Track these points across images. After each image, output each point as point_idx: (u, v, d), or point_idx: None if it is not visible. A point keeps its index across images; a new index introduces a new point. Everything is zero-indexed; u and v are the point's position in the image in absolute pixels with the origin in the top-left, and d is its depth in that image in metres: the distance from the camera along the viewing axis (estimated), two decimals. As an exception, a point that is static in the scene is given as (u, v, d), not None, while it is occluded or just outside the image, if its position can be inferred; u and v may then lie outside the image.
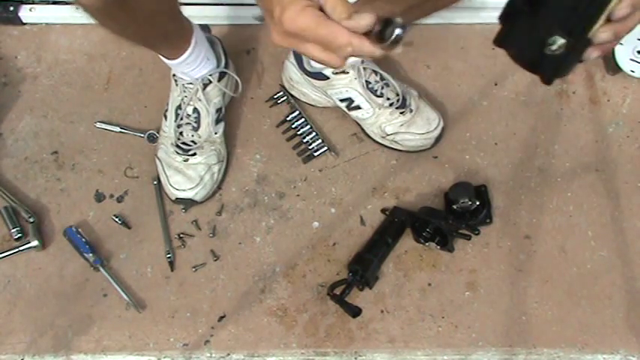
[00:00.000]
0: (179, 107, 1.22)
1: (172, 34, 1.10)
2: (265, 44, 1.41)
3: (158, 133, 1.28)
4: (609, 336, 1.10)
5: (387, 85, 1.23)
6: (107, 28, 0.98)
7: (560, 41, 0.64)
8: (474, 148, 1.28)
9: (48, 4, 1.44)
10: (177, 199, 1.22)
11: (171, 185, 1.21)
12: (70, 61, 1.42)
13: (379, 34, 0.62)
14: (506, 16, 0.69)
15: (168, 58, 1.15)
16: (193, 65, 1.17)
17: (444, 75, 1.36)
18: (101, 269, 1.16)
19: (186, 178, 1.21)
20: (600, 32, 0.62)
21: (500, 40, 0.70)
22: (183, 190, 1.21)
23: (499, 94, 1.34)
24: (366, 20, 0.60)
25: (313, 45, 0.62)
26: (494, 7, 1.40)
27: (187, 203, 1.22)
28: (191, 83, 1.20)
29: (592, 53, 0.64)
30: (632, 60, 1.30)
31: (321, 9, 0.61)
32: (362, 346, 1.11)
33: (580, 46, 0.64)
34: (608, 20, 0.62)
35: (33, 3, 1.44)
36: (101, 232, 1.22)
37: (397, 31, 0.61)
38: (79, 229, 1.19)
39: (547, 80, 0.69)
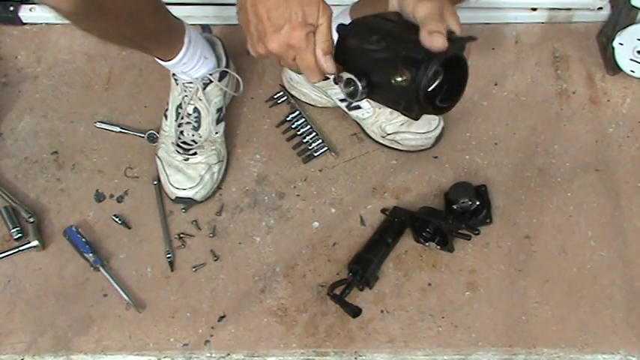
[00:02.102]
0: (180, 106, 1.22)
1: (161, 35, 1.09)
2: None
3: (158, 132, 1.28)
4: (609, 336, 1.10)
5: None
6: (87, 31, 0.97)
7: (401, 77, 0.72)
8: (474, 148, 1.28)
9: (48, 4, 1.44)
10: (177, 198, 1.22)
11: (171, 184, 1.21)
12: (70, 61, 1.42)
13: (336, 82, 0.78)
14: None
15: (163, 60, 1.14)
16: (190, 65, 1.17)
17: (444, 75, 1.36)
18: (101, 269, 1.16)
19: (186, 177, 1.21)
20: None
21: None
22: (183, 189, 1.21)
23: (499, 94, 1.34)
24: (329, 67, 0.77)
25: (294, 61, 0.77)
26: (494, 7, 1.41)
27: (187, 202, 1.22)
28: (191, 82, 1.20)
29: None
30: (632, 60, 1.30)
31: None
32: (362, 346, 1.11)
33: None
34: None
35: (33, 3, 1.45)
36: (101, 232, 1.22)
37: (351, 88, 0.76)
38: (79, 229, 1.19)
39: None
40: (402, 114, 0.76)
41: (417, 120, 0.78)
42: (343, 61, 0.77)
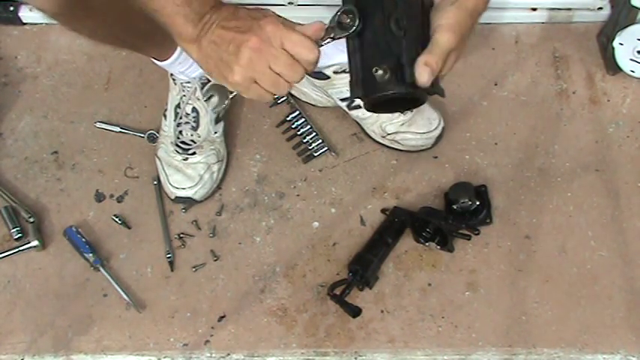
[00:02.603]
0: (178, 106, 1.22)
1: (153, 34, 1.08)
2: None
3: (158, 132, 1.28)
4: (609, 336, 1.10)
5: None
6: (76, 31, 0.96)
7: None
8: (474, 148, 1.28)
9: (48, 4, 1.44)
10: (176, 197, 1.22)
11: (170, 184, 1.21)
12: (70, 61, 1.42)
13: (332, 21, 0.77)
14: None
15: (159, 60, 1.14)
16: (186, 65, 1.16)
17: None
18: (101, 269, 1.16)
19: (185, 176, 1.21)
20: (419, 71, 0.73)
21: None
22: (183, 189, 1.21)
23: (499, 94, 1.34)
24: (315, 25, 0.75)
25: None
26: (494, 7, 1.41)
27: (187, 202, 1.22)
28: (189, 82, 1.19)
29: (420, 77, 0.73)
30: (632, 60, 1.30)
31: None
32: (362, 346, 1.11)
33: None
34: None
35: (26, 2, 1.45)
36: (101, 232, 1.22)
37: (348, 20, 0.75)
38: (79, 229, 1.19)
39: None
40: (349, 82, 0.78)
41: (353, 98, 0.80)
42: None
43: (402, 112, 0.78)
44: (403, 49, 0.74)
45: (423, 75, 0.72)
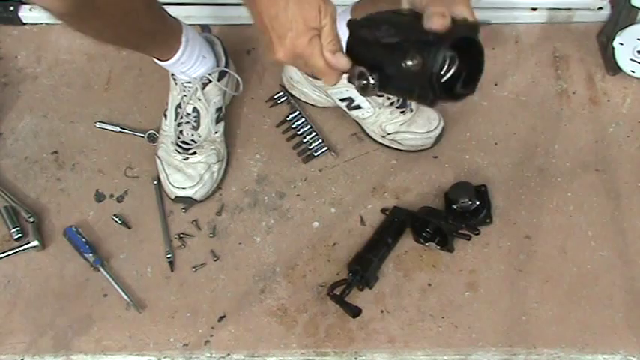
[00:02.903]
0: (179, 106, 1.22)
1: (157, 35, 1.09)
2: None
3: (158, 132, 1.28)
4: (609, 336, 1.10)
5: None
6: (81, 32, 0.96)
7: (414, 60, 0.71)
8: (474, 148, 1.28)
9: (48, 4, 1.44)
10: (176, 197, 1.22)
11: (170, 184, 1.21)
12: (70, 61, 1.42)
13: (350, 79, 0.77)
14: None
15: (161, 60, 1.14)
16: (188, 64, 1.17)
17: (444, 75, 1.36)
18: (101, 269, 1.16)
19: (185, 176, 1.21)
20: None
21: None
22: (183, 189, 1.21)
23: (499, 94, 1.34)
24: (342, 63, 0.77)
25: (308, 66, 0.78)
26: (494, 7, 1.41)
27: (187, 202, 1.22)
28: (190, 82, 1.19)
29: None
30: (632, 60, 1.30)
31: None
32: (362, 346, 1.11)
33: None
34: None
35: (33, 3, 1.45)
36: (101, 232, 1.22)
37: (363, 82, 0.75)
38: (79, 229, 1.19)
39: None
40: (418, 102, 0.76)
41: (432, 107, 0.78)
42: (355, 56, 0.77)
43: (476, 77, 0.74)
44: (408, 35, 0.72)
45: (433, 22, 0.69)
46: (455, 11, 0.73)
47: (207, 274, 1.18)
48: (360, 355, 1.11)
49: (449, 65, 0.74)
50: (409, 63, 0.70)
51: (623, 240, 1.18)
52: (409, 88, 0.74)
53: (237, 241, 1.21)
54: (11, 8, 1.45)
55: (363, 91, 0.76)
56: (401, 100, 1.23)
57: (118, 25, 0.97)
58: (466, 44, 0.73)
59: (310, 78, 1.26)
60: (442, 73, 0.73)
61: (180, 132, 1.23)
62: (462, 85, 0.75)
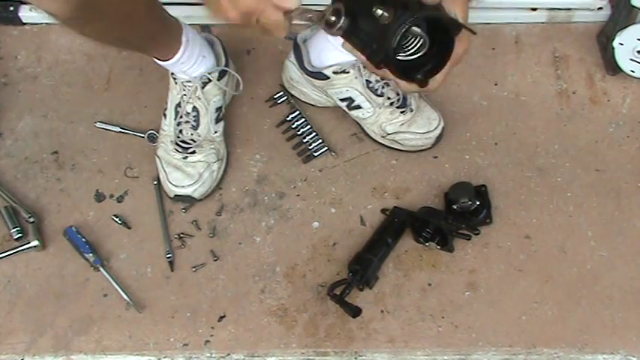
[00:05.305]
0: (178, 105, 1.22)
1: (158, 35, 1.09)
2: (266, 44, 1.41)
3: (158, 132, 1.28)
4: (609, 336, 1.10)
5: (388, 84, 1.23)
6: (84, 35, 0.97)
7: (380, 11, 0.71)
8: (474, 148, 1.28)
9: (48, 4, 1.44)
10: (175, 196, 1.22)
11: (170, 182, 1.21)
12: (70, 61, 1.42)
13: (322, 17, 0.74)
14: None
15: (161, 60, 1.14)
16: (188, 64, 1.17)
17: (444, 75, 1.36)
18: (101, 269, 1.16)
19: (185, 175, 1.21)
20: None
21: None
22: (182, 187, 1.21)
23: (499, 94, 1.34)
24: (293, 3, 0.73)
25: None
26: (494, 7, 1.41)
27: (186, 200, 1.22)
28: (190, 81, 1.20)
29: None
30: (632, 60, 1.30)
31: None
32: (362, 346, 1.11)
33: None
34: None
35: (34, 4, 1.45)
36: (101, 232, 1.22)
37: (332, 18, 0.73)
38: (79, 229, 1.19)
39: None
40: (369, 59, 0.75)
41: (377, 69, 0.77)
42: None
43: (439, 64, 0.74)
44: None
45: None
46: (450, 8, 0.74)
47: (207, 274, 1.18)
48: (360, 355, 1.11)
49: (417, 46, 0.74)
50: (379, 12, 0.70)
51: (623, 240, 1.18)
52: (368, 40, 0.74)
53: (237, 241, 1.21)
54: (11, 8, 1.45)
55: (328, 27, 0.75)
56: (401, 100, 1.23)
57: (120, 27, 0.97)
58: (444, 43, 0.74)
59: (310, 78, 1.26)
60: (406, 47, 0.73)
61: (180, 131, 1.23)
62: (422, 74, 0.76)
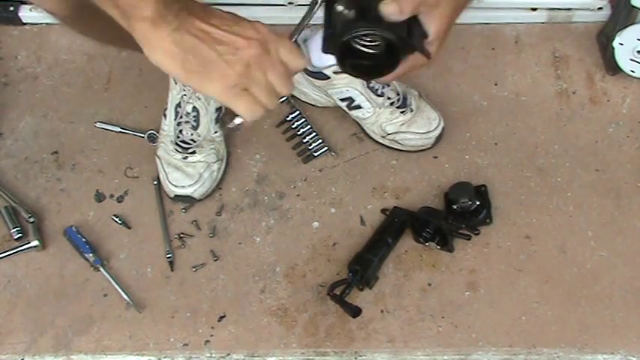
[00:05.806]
0: (178, 105, 1.22)
1: None
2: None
3: (158, 132, 1.28)
4: (609, 336, 1.10)
5: (388, 84, 1.23)
6: (83, 34, 0.97)
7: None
8: (473, 148, 1.28)
9: (48, 4, 1.44)
10: (175, 196, 1.22)
11: (170, 182, 1.21)
12: (70, 61, 1.42)
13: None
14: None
15: None
16: None
17: (444, 75, 1.36)
18: (101, 269, 1.16)
19: (185, 175, 1.21)
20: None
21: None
22: (182, 187, 1.21)
23: (499, 94, 1.34)
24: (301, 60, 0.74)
25: None
26: (494, 7, 1.41)
27: (186, 200, 1.22)
28: (190, 82, 1.19)
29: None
30: (632, 60, 1.30)
31: None
32: (362, 346, 1.11)
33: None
34: None
35: (33, 3, 1.45)
36: (101, 232, 1.22)
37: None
38: (79, 229, 1.19)
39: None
40: (323, 39, 0.76)
41: (324, 52, 0.77)
42: None
43: (379, 75, 0.75)
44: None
45: (386, 6, 0.69)
46: (426, 22, 0.72)
47: (207, 274, 1.18)
48: (360, 355, 1.11)
49: (370, 43, 0.74)
50: (339, 8, 0.72)
51: (623, 240, 1.18)
52: (326, 25, 0.75)
53: (237, 241, 1.21)
54: (11, 8, 1.45)
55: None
56: (401, 100, 1.23)
57: (119, 27, 0.97)
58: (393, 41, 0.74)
59: (310, 78, 1.26)
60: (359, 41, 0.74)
61: (180, 131, 1.23)
62: (359, 72, 0.77)
